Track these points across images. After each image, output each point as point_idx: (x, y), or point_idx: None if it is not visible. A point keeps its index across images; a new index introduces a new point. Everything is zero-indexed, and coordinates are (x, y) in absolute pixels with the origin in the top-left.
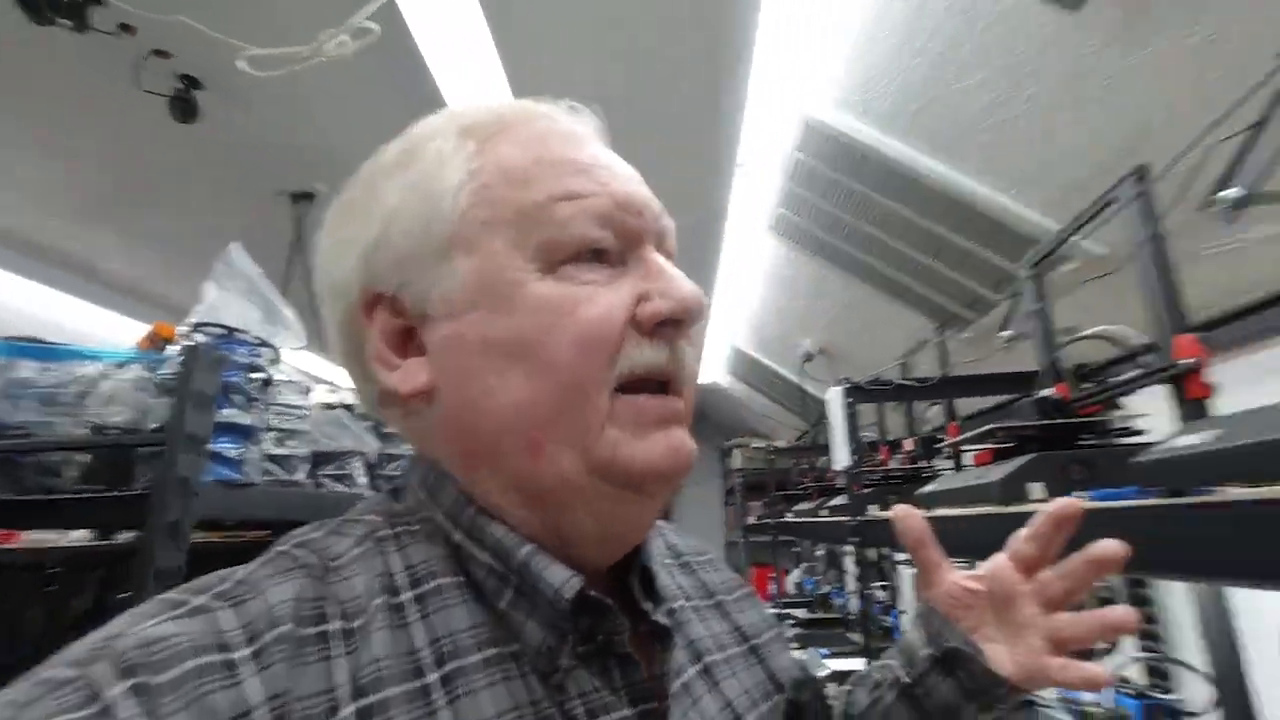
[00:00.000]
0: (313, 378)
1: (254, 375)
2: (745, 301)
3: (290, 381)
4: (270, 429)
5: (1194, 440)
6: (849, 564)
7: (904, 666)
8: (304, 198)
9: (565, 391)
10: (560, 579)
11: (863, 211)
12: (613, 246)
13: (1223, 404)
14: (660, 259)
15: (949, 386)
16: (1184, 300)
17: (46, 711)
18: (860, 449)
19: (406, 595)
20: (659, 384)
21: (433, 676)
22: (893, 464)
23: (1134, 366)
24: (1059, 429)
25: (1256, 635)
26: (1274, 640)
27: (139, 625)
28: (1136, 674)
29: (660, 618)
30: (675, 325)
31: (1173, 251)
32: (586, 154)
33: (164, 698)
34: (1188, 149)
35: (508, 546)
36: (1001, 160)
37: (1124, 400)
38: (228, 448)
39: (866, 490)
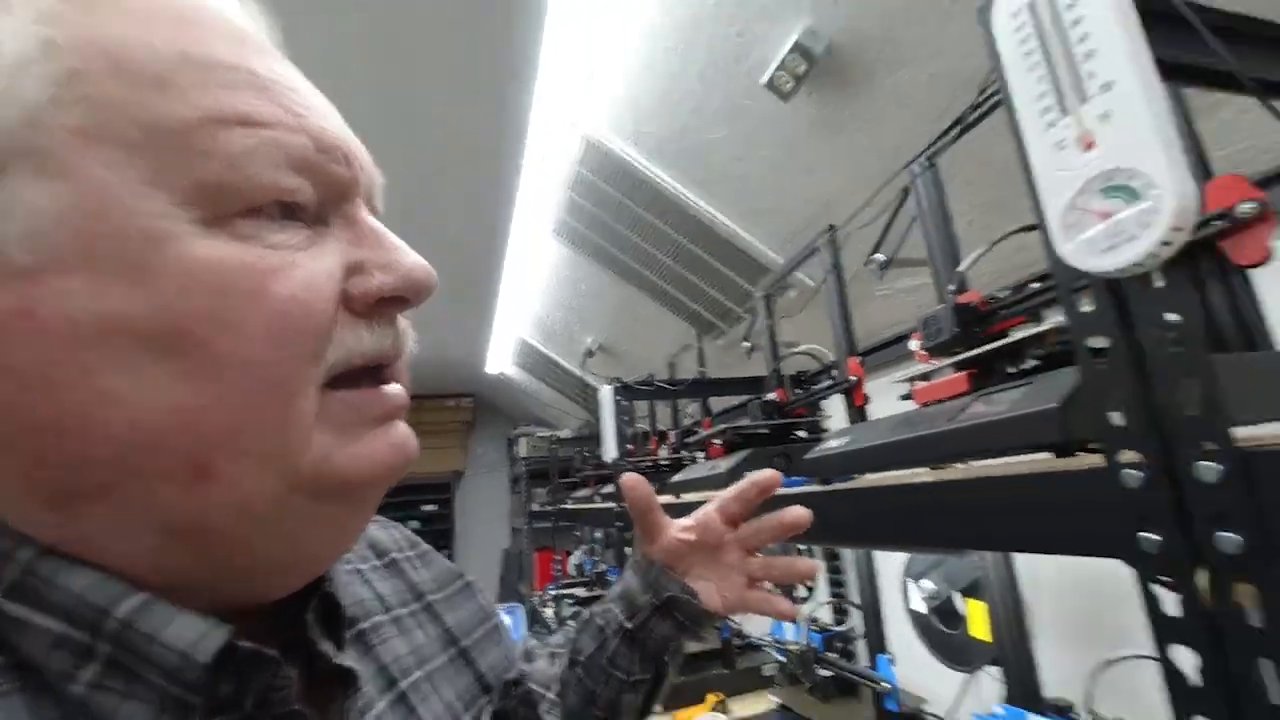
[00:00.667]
0: None
1: None
2: (532, 298)
3: None
4: None
5: (834, 444)
6: (628, 550)
7: (626, 613)
8: None
9: (253, 396)
10: (191, 635)
11: (635, 226)
12: (309, 201)
13: (873, 410)
14: (374, 220)
15: (702, 387)
16: (854, 330)
17: None
18: (635, 439)
19: None
20: (372, 369)
21: None
22: (662, 453)
23: (828, 378)
24: (774, 428)
25: (887, 577)
26: (894, 579)
27: None
28: (826, 614)
29: (344, 659)
30: (401, 304)
31: (852, 292)
32: (266, 65)
33: None
34: (848, 220)
35: (96, 602)
36: (743, 202)
37: (823, 404)
38: None
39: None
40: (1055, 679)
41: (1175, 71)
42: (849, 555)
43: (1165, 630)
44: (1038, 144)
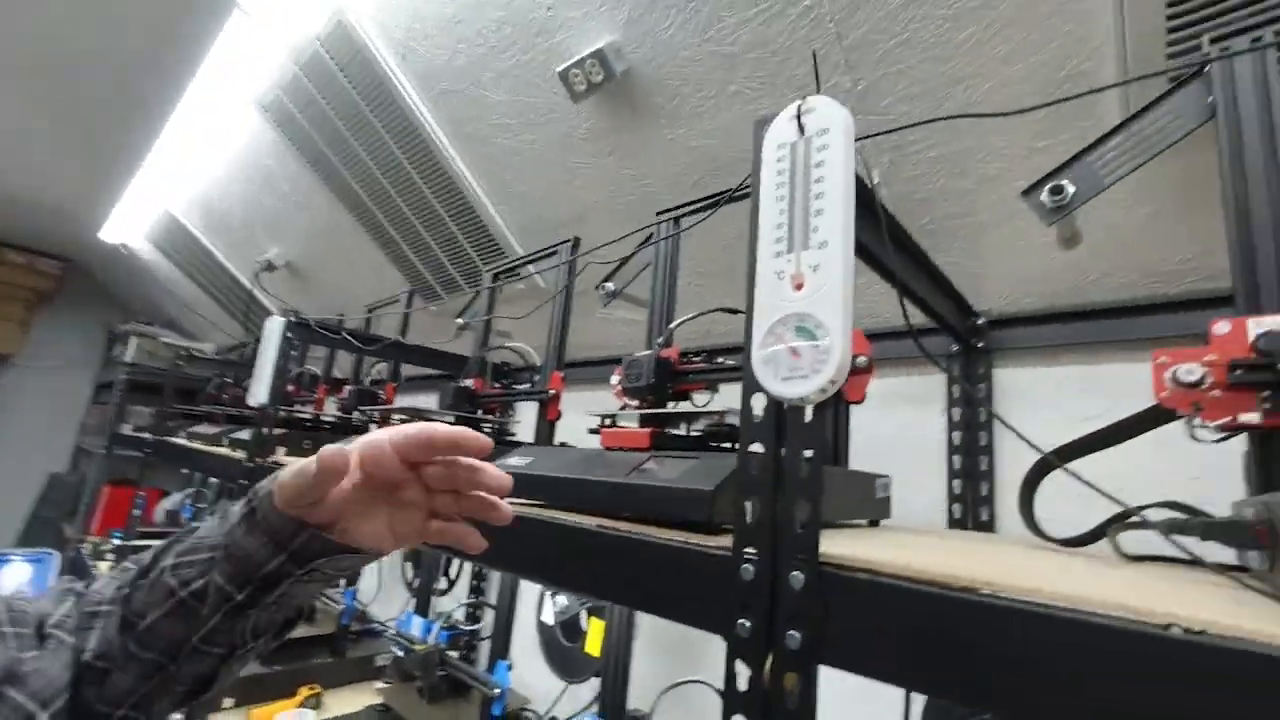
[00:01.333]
0: None
1: None
2: (201, 171)
3: None
4: None
5: (518, 462)
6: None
7: (234, 580)
8: None
9: None
10: None
11: (371, 145)
12: None
13: (562, 426)
14: None
15: (399, 351)
16: (567, 344)
17: None
18: (300, 379)
19: None
20: None
21: None
22: (329, 406)
23: (529, 381)
24: (461, 420)
25: (530, 587)
26: (534, 589)
27: None
28: (460, 616)
29: None
30: None
31: (576, 305)
32: None
33: None
34: (595, 249)
35: None
36: (501, 177)
37: (516, 406)
38: None
39: (284, 432)
40: (639, 693)
41: (860, 249)
42: None
43: (733, 701)
44: (765, 265)
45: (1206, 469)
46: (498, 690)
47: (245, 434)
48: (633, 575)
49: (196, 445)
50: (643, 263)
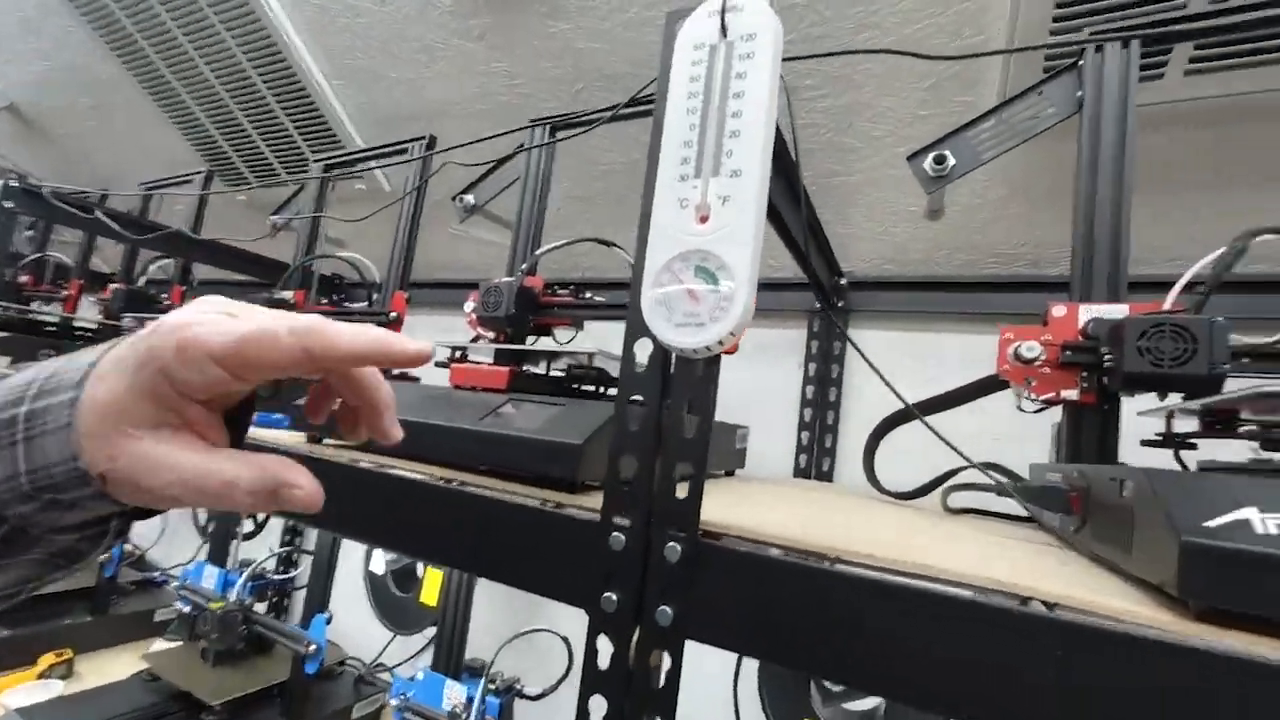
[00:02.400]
0: None
1: None
2: None
3: None
4: None
5: None
6: None
7: None
8: None
9: None
10: None
11: (181, 11)
12: None
13: None
14: None
15: (185, 244)
16: (412, 262)
17: None
18: (40, 268)
19: None
20: None
21: None
22: (86, 310)
23: (365, 298)
24: None
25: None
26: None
27: None
28: (271, 565)
29: None
30: None
31: (424, 220)
32: None
33: None
34: (450, 149)
35: None
36: (345, 52)
37: None
38: None
39: (6, 336)
40: (479, 641)
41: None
42: None
43: (593, 679)
44: (666, 190)
45: (1008, 434)
46: (313, 646)
47: None
48: (483, 539)
49: None
50: (509, 177)
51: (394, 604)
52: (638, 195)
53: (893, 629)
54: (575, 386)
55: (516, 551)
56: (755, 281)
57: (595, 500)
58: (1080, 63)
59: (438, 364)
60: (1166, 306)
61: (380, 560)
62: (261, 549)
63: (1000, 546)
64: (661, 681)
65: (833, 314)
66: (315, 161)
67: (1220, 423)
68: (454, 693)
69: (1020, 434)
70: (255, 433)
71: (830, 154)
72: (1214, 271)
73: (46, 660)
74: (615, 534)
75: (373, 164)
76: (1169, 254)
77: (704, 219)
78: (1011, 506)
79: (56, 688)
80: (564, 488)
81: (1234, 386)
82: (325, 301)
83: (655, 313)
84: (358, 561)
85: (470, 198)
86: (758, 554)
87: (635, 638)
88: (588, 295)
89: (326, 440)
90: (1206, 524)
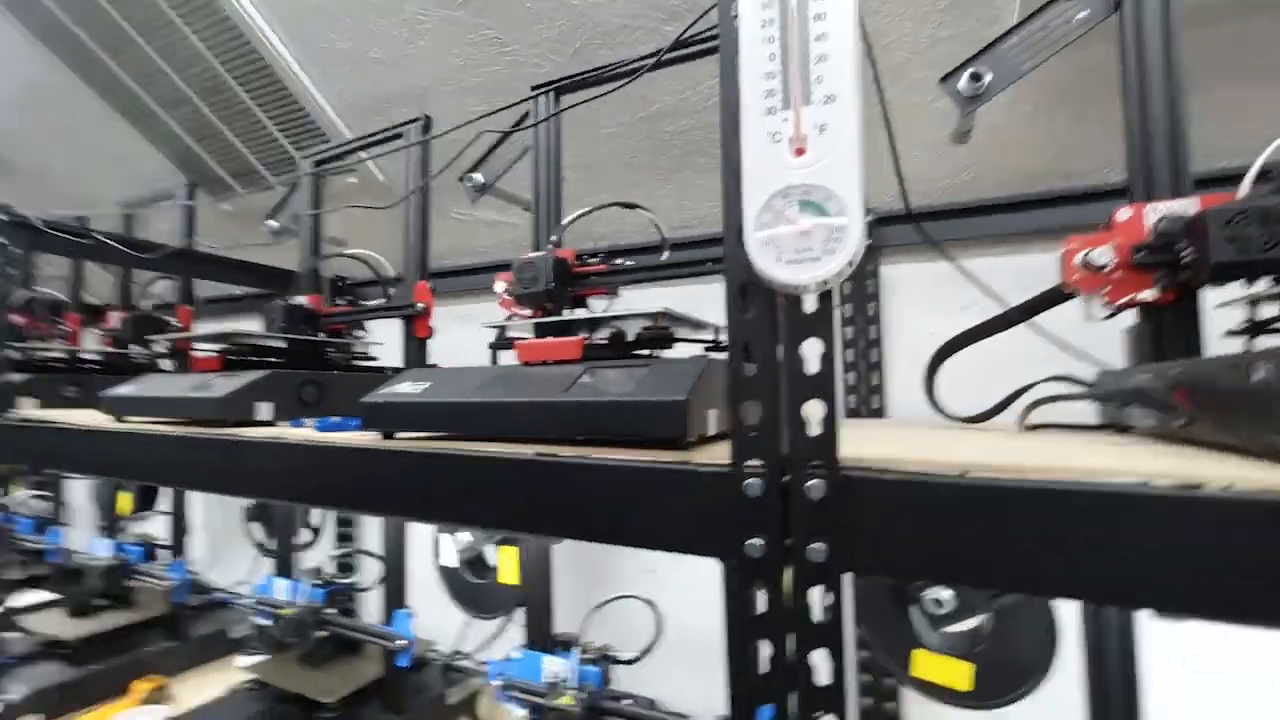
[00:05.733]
0: None
1: None
2: None
3: None
4: None
5: (409, 389)
6: None
7: None
8: None
9: None
10: None
11: (135, 10)
12: None
13: (438, 346)
14: None
15: (189, 262)
16: (429, 251)
17: None
18: (33, 307)
19: None
20: None
21: None
22: (87, 342)
23: (382, 295)
24: (305, 344)
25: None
26: (422, 531)
27: None
28: (330, 566)
29: None
30: None
31: (432, 204)
32: None
33: None
34: (460, 126)
35: None
36: (321, 35)
37: (368, 325)
38: None
39: (24, 377)
40: (563, 617)
41: None
42: None
43: (752, 626)
44: (754, 125)
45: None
46: (403, 642)
47: None
48: (608, 507)
49: None
50: (516, 150)
51: (473, 591)
52: (648, 156)
53: (1069, 531)
54: (644, 350)
55: (644, 514)
56: (862, 205)
57: (706, 454)
58: None
59: (493, 346)
60: (1242, 195)
61: (450, 552)
62: (320, 556)
63: (1118, 449)
64: (823, 615)
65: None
66: (304, 158)
67: None
68: (552, 666)
69: (1053, 355)
70: (331, 436)
71: None
72: None
73: (140, 688)
74: (749, 480)
75: (364, 155)
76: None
77: (800, 151)
78: (1084, 418)
79: (161, 712)
80: (669, 446)
81: None
82: (341, 303)
83: (763, 254)
84: (422, 560)
85: (478, 176)
86: (911, 479)
87: (788, 578)
88: (619, 261)
89: (399, 434)
90: None
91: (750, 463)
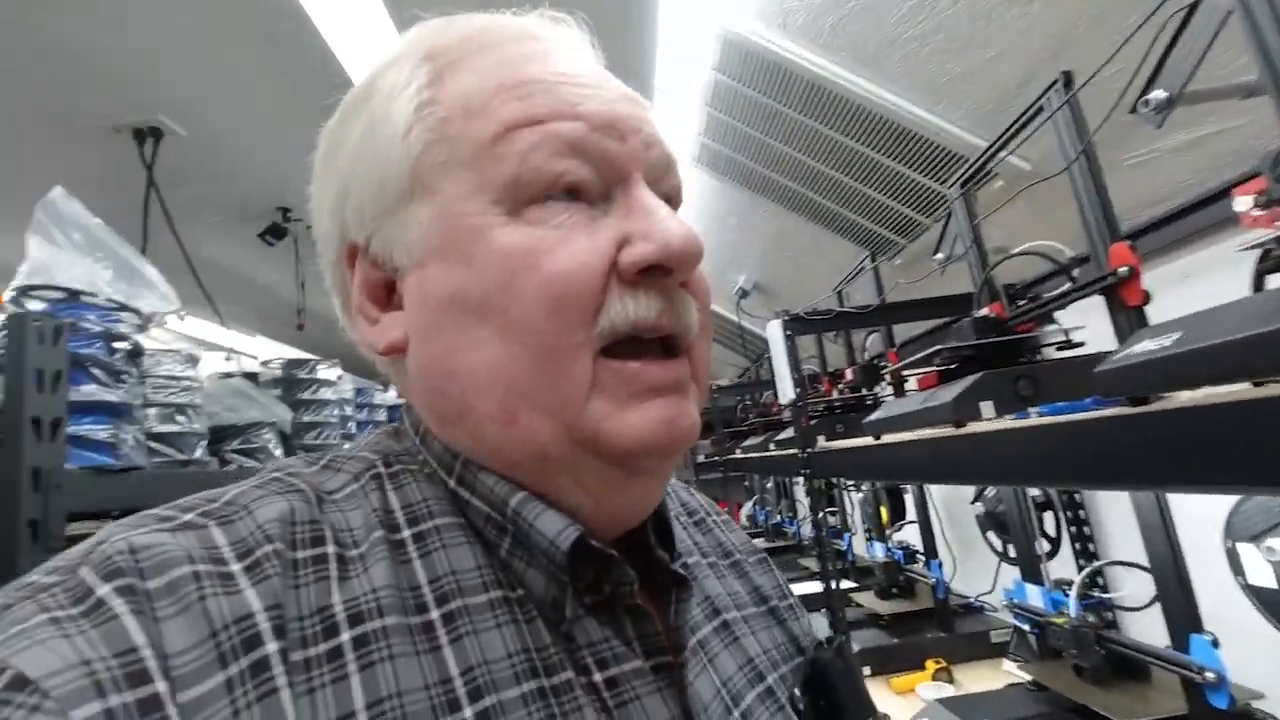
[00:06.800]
0: (204, 344)
1: (117, 344)
2: None
3: (170, 350)
4: (150, 404)
5: (1154, 346)
6: (799, 493)
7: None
8: (150, 134)
9: (538, 356)
10: (554, 529)
11: (788, 135)
12: (590, 180)
13: (1153, 311)
14: (647, 193)
15: (886, 313)
16: (1112, 212)
17: (30, 614)
18: (802, 382)
19: (406, 533)
20: (661, 344)
21: (435, 614)
22: (835, 395)
23: (1064, 281)
24: (1000, 346)
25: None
26: (1206, 532)
27: (123, 534)
28: (1082, 583)
29: (677, 567)
30: (665, 273)
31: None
32: (555, 70)
33: (159, 601)
34: (1115, 53)
35: (500, 495)
36: (925, 73)
37: (1056, 315)
38: (94, 429)
39: (812, 422)
40: None
41: None
42: (1103, 501)
43: None
44: None
45: None
46: (1211, 675)
47: (786, 434)
48: None
49: (752, 456)
50: (1204, 34)
51: None
52: None
53: None
54: None
55: None
56: None
57: None
58: None
59: (1259, 270)
60: None
61: (1259, 568)
62: (1063, 566)
63: None
64: None
65: None
66: (952, 188)
67: None
68: None
69: None
70: (1064, 417)
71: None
72: None
73: (932, 665)
74: None
75: (1004, 151)
76: None
77: None
78: None
79: (947, 689)
80: None
81: None
82: (1022, 304)
83: None
84: (1208, 570)
85: (1160, 92)
86: None
87: None
88: None
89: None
90: None
91: None
